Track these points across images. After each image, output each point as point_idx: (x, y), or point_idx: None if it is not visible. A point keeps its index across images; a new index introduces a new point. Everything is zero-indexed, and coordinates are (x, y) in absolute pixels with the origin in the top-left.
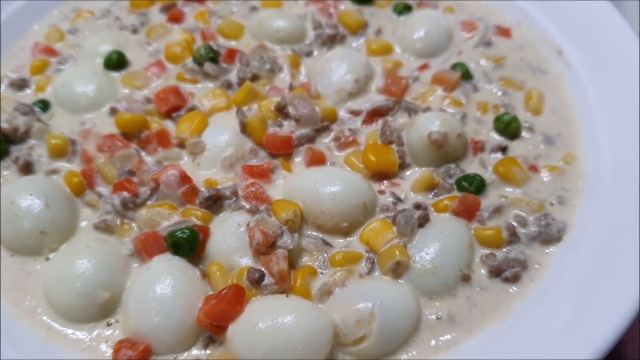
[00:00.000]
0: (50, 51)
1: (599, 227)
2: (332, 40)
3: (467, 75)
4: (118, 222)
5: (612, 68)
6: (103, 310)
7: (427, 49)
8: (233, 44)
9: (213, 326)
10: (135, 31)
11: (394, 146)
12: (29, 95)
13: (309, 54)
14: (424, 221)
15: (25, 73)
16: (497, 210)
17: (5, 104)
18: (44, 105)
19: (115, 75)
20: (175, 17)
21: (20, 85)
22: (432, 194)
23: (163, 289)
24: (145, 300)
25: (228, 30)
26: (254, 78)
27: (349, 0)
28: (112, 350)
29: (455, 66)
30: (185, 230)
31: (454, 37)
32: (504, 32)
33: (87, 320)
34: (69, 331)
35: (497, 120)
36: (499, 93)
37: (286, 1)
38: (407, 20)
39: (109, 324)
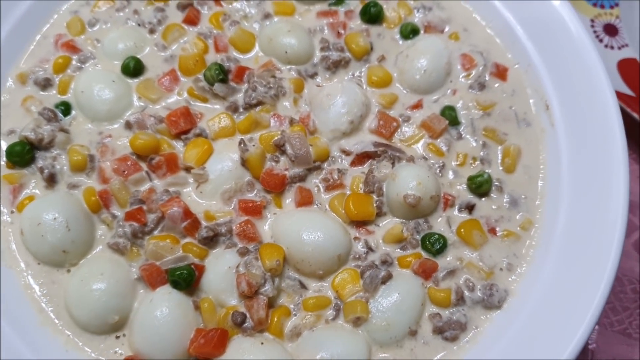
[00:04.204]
0: (71, 47)
1: (537, 299)
2: (336, 66)
3: (454, 122)
4: (128, 246)
5: (590, 138)
6: (113, 327)
7: (424, 86)
8: (243, 57)
9: (201, 357)
10: (152, 31)
11: (374, 196)
12: (52, 96)
13: (313, 75)
14: (387, 279)
15: (48, 70)
16: (451, 273)
17: (31, 103)
18: (66, 108)
19: (131, 82)
20: (191, 20)
21: (44, 85)
22: (400, 247)
23: (162, 321)
24: (147, 328)
25: (240, 42)
26: (259, 103)
27: (359, 17)
28: None
29: (445, 111)
30: (184, 271)
31: (451, 72)
32: (501, 72)
33: (99, 333)
34: (85, 341)
35: (471, 180)
36: (480, 144)
37: (299, 5)
38: (410, 50)
39: (117, 337)
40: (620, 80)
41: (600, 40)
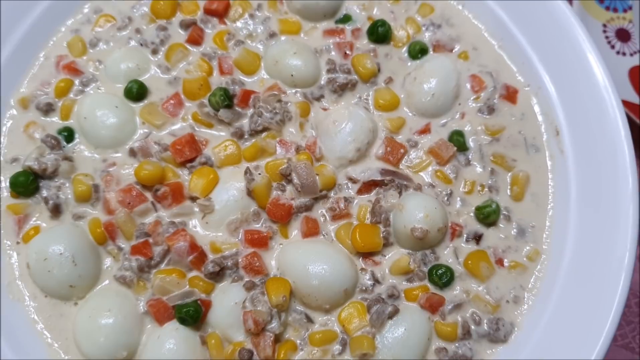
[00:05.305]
0: (73, 69)
1: (542, 333)
2: (343, 89)
3: (462, 148)
4: (135, 280)
5: (600, 166)
6: None
7: (432, 110)
8: (248, 79)
9: None
10: (155, 51)
11: (381, 226)
12: (54, 122)
13: (319, 98)
14: (394, 314)
15: (50, 94)
16: (458, 307)
17: (33, 130)
18: (69, 134)
19: (135, 106)
20: (195, 39)
21: (46, 110)
22: (406, 279)
23: (169, 358)
24: None
25: (245, 64)
26: (265, 129)
27: (366, 36)
28: None
29: (453, 136)
30: (191, 308)
31: (460, 95)
32: (511, 95)
33: None
34: None
35: (479, 210)
36: (489, 170)
37: (305, 23)
38: (418, 72)
39: None
40: (631, 89)
41: (612, 47)
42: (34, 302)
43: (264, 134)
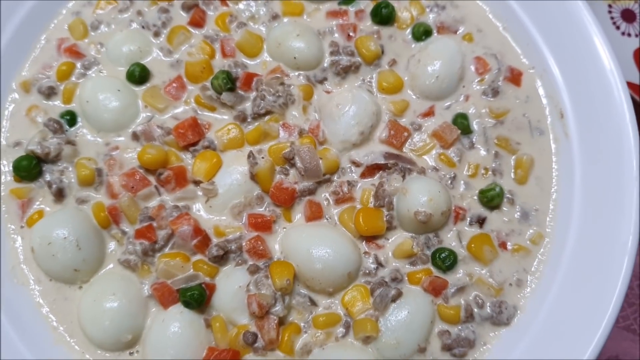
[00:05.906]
0: (75, 52)
1: (545, 316)
2: (346, 71)
3: (466, 131)
4: (139, 263)
5: (604, 150)
6: (126, 345)
7: (436, 92)
8: (251, 62)
9: None
10: (157, 34)
11: (384, 210)
12: (56, 105)
13: (322, 80)
14: (397, 297)
15: (52, 77)
16: (461, 290)
17: (36, 113)
18: (71, 117)
19: (137, 89)
20: (197, 22)
21: (48, 94)
22: (410, 262)
23: (174, 341)
24: (161, 348)
25: (247, 46)
26: (267, 113)
27: (369, 17)
28: None
29: (457, 119)
30: (195, 292)
31: (464, 77)
32: (515, 77)
33: (113, 350)
34: (99, 358)
35: (482, 193)
36: (492, 154)
37: (308, 4)
38: (422, 54)
39: (130, 353)
40: (635, 70)
41: (617, 28)
42: (38, 286)
43: (266, 118)
